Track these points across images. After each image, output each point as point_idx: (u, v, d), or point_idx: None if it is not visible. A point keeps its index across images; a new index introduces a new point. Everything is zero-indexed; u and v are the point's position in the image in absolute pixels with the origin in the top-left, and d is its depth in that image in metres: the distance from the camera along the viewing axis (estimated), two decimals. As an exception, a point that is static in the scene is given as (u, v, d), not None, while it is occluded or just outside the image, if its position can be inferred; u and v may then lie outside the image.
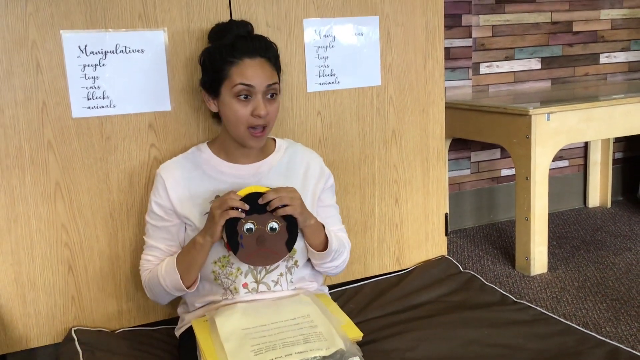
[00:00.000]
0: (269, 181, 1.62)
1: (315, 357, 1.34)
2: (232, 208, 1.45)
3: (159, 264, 1.61)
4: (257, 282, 1.59)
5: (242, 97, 1.52)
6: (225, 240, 1.48)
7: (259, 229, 1.48)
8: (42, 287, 1.76)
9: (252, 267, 1.57)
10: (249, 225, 1.48)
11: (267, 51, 1.56)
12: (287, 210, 1.48)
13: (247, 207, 1.46)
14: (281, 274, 1.60)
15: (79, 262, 1.78)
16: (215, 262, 1.56)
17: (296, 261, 1.62)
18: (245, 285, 1.58)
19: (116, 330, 1.84)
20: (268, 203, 1.48)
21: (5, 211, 1.69)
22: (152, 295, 1.66)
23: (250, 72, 1.51)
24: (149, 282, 1.63)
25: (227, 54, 1.53)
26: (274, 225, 1.50)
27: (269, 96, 1.55)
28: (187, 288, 1.56)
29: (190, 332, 1.57)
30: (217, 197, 1.57)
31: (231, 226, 1.47)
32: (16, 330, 1.75)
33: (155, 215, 1.62)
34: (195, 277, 1.57)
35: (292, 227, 1.51)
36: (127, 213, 1.81)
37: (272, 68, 1.56)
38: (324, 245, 1.59)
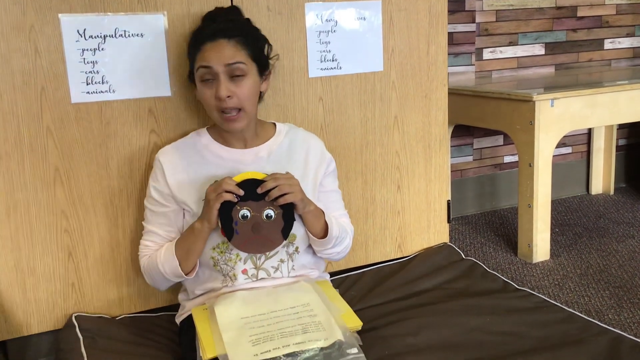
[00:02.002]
0: (269, 166, 1.61)
1: (313, 348, 1.33)
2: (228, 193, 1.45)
3: (158, 250, 1.60)
4: (257, 268, 1.58)
5: (206, 80, 1.53)
6: (220, 226, 1.47)
7: (254, 216, 1.47)
8: (42, 274, 1.75)
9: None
10: (244, 211, 1.47)
11: (229, 31, 1.54)
12: (287, 199, 1.47)
13: (241, 192, 1.45)
14: (282, 260, 1.59)
15: (79, 248, 1.78)
16: (214, 249, 1.55)
17: (297, 247, 1.61)
18: (244, 272, 1.57)
19: (117, 316, 1.84)
20: (266, 191, 1.47)
21: (5, 197, 1.68)
22: (151, 281, 1.66)
23: (208, 54, 1.51)
24: (147, 268, 1.63)
25: (194, 41, 1.56)
26: (270, 212, 1.49)
27: (235, 76, 1.52)
28: (186, 274, 1.55)
29: (190, 319, 1.56)
30: (216, 182, 1.56)
31: (226, 212, 1.46)
32: (16, 317, 1.75)
33: (153, 201, 1.61)
34: (194, 264, 1.56)
35: (288, 214, 1.50)
36: (128, 199, 1.80)
37: (235, 48, 1.52)
38: (325, 232, 1.58)
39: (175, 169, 1.60)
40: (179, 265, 1.53)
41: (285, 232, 1.51)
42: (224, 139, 1.63)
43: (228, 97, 1.50)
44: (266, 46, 1.63)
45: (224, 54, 1.51)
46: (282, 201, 1.47)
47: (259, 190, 1.46)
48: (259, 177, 1.48)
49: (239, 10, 1.68)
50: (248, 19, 1.67)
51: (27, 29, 1.64)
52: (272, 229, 1.49)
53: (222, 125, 1.56)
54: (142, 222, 1.67)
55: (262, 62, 1.60)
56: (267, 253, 1.57)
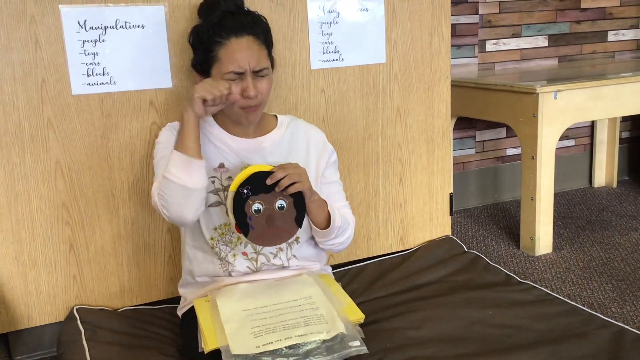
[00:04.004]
0: (272, 157, 1.61)
1: (315, 341, 1.33)
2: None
3: None
4: (257, 252, 1.58)
5: (228, 77, 1.50)
6: (234, 223, 1.47)
7: (267, 209, 1.47)
8: (44, 266, 1.75)
9: None
10: (257, 205, 1.46)
11: (254, 27, 1.53)
12: (297, 187, 1.47)
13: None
14: (280, 248, 1.60)
15: (80, 240, 1.77)
16: (215, 229, 1.55)
17: (297, 237, 1.60)
18: (245, 254, 1.57)
19: (118, 309, 1.84)
20: (274, 183, 1.46)
21: (6, 189, 1.68)
22: (167, 203, 1.47)
23: (239, 56, 1.49)
24: (160, 192, 1.48)
25: (215, 33, 1.51)
26: (282, 203, 1.48)
27: (260, 75, 1.52)
28: (196, 158, 1.47)
29: (192, 311, 1.56)
30: (222, 164, 1.57)
31: (239, 208, 1.45)
32: (18, 309, 1.74)
33: (162, 149, 1.56)
34: (195, 149, 1.48)
35: (299, 203, 1.50)
36: (129, 191, 1.79)
37: (260, 46, 1.53)
38: (327, 223, 1.57)
39: None
40: (182, 153, 1.46)
41: (299, 220, 1.51)
42: (228, 128, 1.63)
43: (255, 96, 1.52)
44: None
45: (254, 55, 1.50)
46: (291, 190, 1.47)
47: (268, 182, 1.46)
48: (266, 169, 1.48)
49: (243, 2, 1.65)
50: (261, 15, 1.61)
51: (28, 20, 1.63)
52: (286, 219, 1.49)
53: (241, 118, 1.56)
54: (153, 179, 1.57)
55: (273, 58, 1.61)
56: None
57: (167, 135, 1.59)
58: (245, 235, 1.47)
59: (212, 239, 1.56)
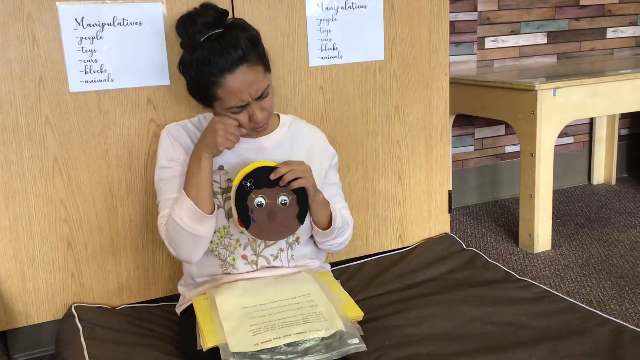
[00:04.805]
0: (273, 157, 1.60)
1: (314, 338, 1.32)
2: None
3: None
4: (257, 255, 1.57)
5: (234, 110, 1.47)
6: (236, 216, 1.46)
7: (269, 203, 1.47)
8: (42, 264, 1.74)
9: (251, 239, 1.56)
10: (259, 199, 1.46)
11: (245, 55, 1.42)
12: (300, 183, 1.47)
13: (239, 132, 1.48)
14: (281, 249, 1.59)
15: (79, 238, 1.77)
16: (214, 232, 1.54)
17: (297, 238, 1.60)
18: (244, 257, 1.56)
19: (116, 306, 1.83)
20: (278, 178, 1.46)
21: (3, 187, 1.67)
22: (176, 246, 1.51)
23: (238, 91, 1.43)
24: (168, 232, 1.50)
25: (208, 74, 1.42)
26: (285, 198, 1.48)
27: (262, 97, 1.48)
28: (208, 213, 1.47)
29: (191, 309, 1.55)
30: (221, 166, 1.56)
31: (242, 201, 1.45)
32: (16, 307, 1.74)
33: (167, 169, 1.56)
34: (209, 200, 1.48)
35: (302, 200, 1.50)
36: (127, 189, 1.79)
37: (255, 70, 1.44)
38: (328, 223, 1.57)
39: (183, 142, 1.57)
40: (195, 203, 1.46)
41: (301, 217, 1.51)
42: None
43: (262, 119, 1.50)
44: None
45: (253, 84, 1.44)
46: (295, 185, 1.46)
47: (272, 177, 1.46)
48: (271, 165, 1.48)
49: (243, 23, 1.52)
50: (246, 29, 1.49)
51: (25, 17, 1.62)
52: (288, 214, 1.49)
53: (250, 134, 1.55)
54: (157, 201, 1.58)
55: (268, 63, 1.54)
56: (267, 241, 1.56)
57: (166, 144, 1.57)
58: (247, 228, 1.47)
59: (211, 242, 1.55)
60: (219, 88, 1.44)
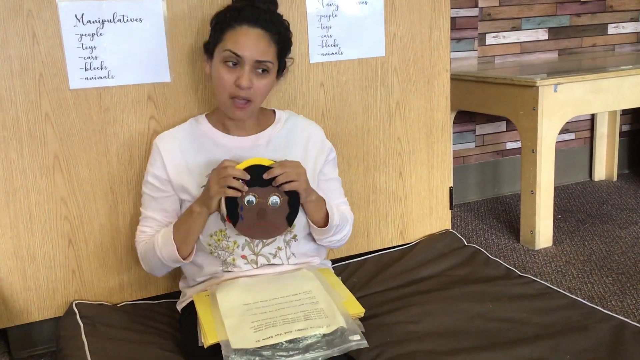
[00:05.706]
0: (267, 154, 1.59)
1: (315, 335, 1.32)
2: (232, 187, 1.43)
3: (155, 234, 1.59)
4: (256, 254, 1.57)
5: (229, 63, 1.49)
6: (225, 212, 1.46)
7: (260, 202, 1.46)
8: (42, 261, 1.74)
9: (248, 240, 1.55)
10: (250, 197, 1.46)
11: (270, 24, 1.50)
12: (292, 186, 1.46)
13: (247, 176, 1.44)
14: (279, 248, 1.59)
15: (79, 235, 1.77)
16: (211, 236, 1.54)
17: (295, 235, 1.60)
18: (244, 257, 1.56)
19: (117, 303, 1.83)
20: (272, 178, 1.46)
21: (4, 184, 1.67)
22: (148, 266, 1.64)
23: (243, 40, 1.47)
24: (144, 253, 1.61)
25: (231, 18, 1.50)
26: (276, 199, 1.48)
27: (259, 70, 1.50)
28: (184, 259, 1.54)
29: (192, 306, 1.55)
30: (214, 170, 1.55)
31: (232, 198, 1.45)
32: (17, 304, 1.74)
33: (151, 186, 1.60)
34: (191, 247, 1.55)
35: (293, 201, 1.49)
36: (127, 186, 1.79)
37: (269, 43, 1.50)
38: (325, 221, 1.57)
39: (174, 155, 1.58)
40: (177, 249, 1.52)
41: (290, 219, 1.50)
42: (223, 126, 1.62)
43: (247, 87, 1.49)
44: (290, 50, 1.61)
45: (259, 47, 1.48)
46: (287, 188, 1.46)
47: (266, 176, 1.45)
48: (266, 163, 1.47)
49: (277, 2, 1.61)
50: (282, 18, 1.58)
51: (25, 14, 1.62)
52: (277, 215, 1.49)
53: (228, 110, 1.53)
54: (140, 208, 1.65)
55: (284, 63, 1.58)
56: (264, 240, 1.56)
57: (154, 158, 1.60)
58: (234, 225, 1.47)
59: (209, 245, 1.56)
60: (230, 31, 1.49)
